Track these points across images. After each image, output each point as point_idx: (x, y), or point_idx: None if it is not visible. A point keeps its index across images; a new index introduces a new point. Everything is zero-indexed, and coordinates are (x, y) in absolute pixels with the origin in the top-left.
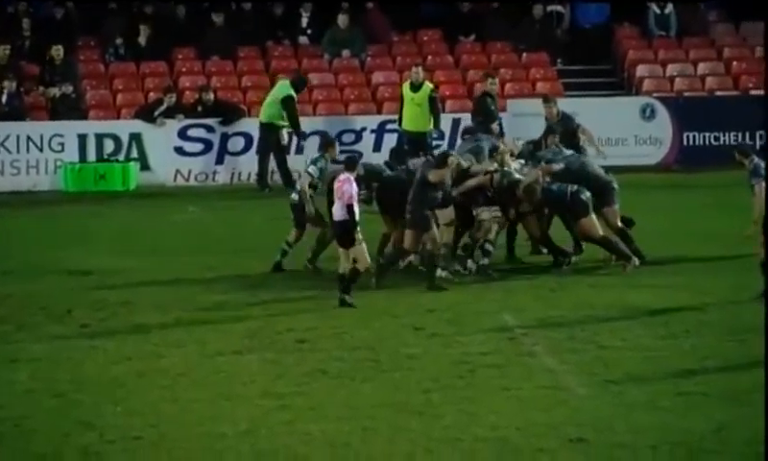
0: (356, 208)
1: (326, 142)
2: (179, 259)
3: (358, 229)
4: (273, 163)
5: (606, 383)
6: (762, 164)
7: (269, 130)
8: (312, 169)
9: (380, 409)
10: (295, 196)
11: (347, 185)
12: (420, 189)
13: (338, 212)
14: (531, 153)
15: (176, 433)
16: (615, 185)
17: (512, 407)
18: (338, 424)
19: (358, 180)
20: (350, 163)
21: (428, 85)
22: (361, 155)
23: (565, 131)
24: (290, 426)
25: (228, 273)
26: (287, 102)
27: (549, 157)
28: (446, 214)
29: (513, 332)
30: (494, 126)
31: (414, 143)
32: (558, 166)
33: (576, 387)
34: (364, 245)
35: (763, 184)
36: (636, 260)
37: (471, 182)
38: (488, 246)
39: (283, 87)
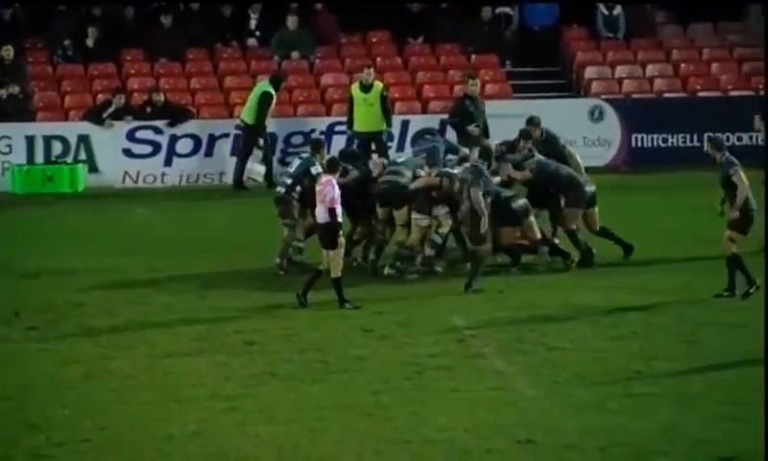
0: (339, 211)
1: (318, 144)
2: (127, 261)
3: (341, 232)
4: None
5: (554, 384)
6: (734, 157)
7: (252, 131)
8: (314, 169)
9: (329, 411)
10: (281, 189)
11: (329, 188)
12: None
13: (321, 215)
14: (502, 153)
15: (124, 435)
16: (589, 188)
17: (461, 409)
18: (287, 425)
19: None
20: (332, 165)
21: (379, 85)
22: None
23: (549, 153)
24: (239, 428)
25: (177, 275)
26: (262, 98)
27: (518, 160)
28: (401, 215)
29: (462, 334)
30: (473, 128)
31: (366, 144)
32: (520, 174)
33: (525, 388)
34: (341, 250)
35: (741, 172)
36: (574, 256)
37: (419, 183)
38: (436, 238)
39: (262, 85)
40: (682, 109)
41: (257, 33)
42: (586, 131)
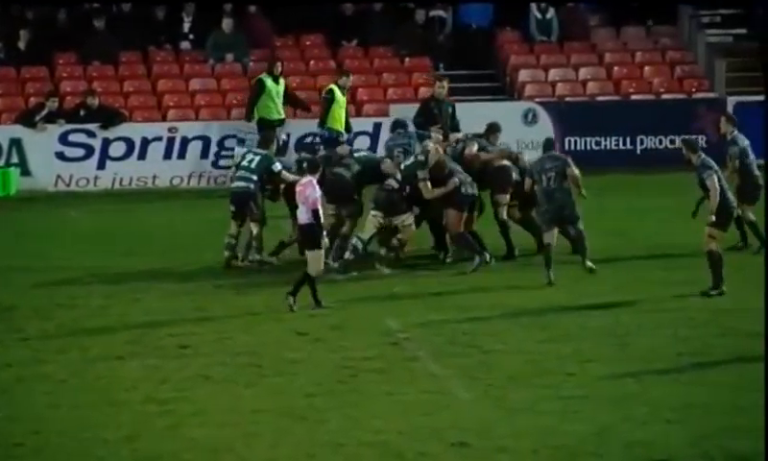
0: (321, 212)
1: (268, 140)
2: (59, 264)
3: (324, 233)
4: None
5: (488, 387)
6: (710, 159)
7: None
8: (275, 167)
9: (263, 414)
10: (243, 185)
11: (309, 189)
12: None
13: (303, 216)
14: (462, 150)
15: (57, 440)
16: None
17: (395, 412)
18: (221, 429)
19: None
20: (313, 166)
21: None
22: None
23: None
24: (173, 432)
25: (110, 278)
26: (255, 83)
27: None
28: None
29: (396, 337)
30: (436, 129)
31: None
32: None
33: (458, 391)
34: (321, 252)
35: (715, 177)
36: (487, 257)
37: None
38: (358, 243)
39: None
40: (614, 113)
41: (191, 35)
42: (519, 133)
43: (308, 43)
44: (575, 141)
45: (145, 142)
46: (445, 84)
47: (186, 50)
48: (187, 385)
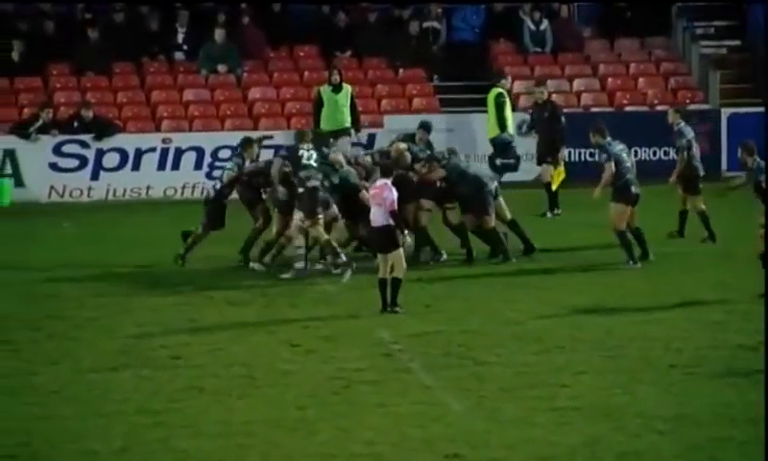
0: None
1: (245, 142)
2: (51, 275)
3: (406, 232)
4: None
5: (481, 399)
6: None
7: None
8: (230, 165)
9: (256, 425)
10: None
11: (387, 192)
12: None
13: (379, 218)
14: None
15: (48, 451)
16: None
17: (387, 423)
18: (213, 440)
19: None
20: (386, 169)
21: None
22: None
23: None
24: (164, 444)
25: (101, 289)
26: (315, 95)
27: (416, 151)
28: (330, 213)
29: (388, 348)
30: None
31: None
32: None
33: (451, 403)
34: (402, 251)
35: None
36: (443, 256)
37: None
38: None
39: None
40: (609, 124)
41: (185, 46)
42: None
43: (302, 54)
44: (569, 153)
45: (139, 153)
46: (543, 89)
47: (180, 61)
48: (179, 396)
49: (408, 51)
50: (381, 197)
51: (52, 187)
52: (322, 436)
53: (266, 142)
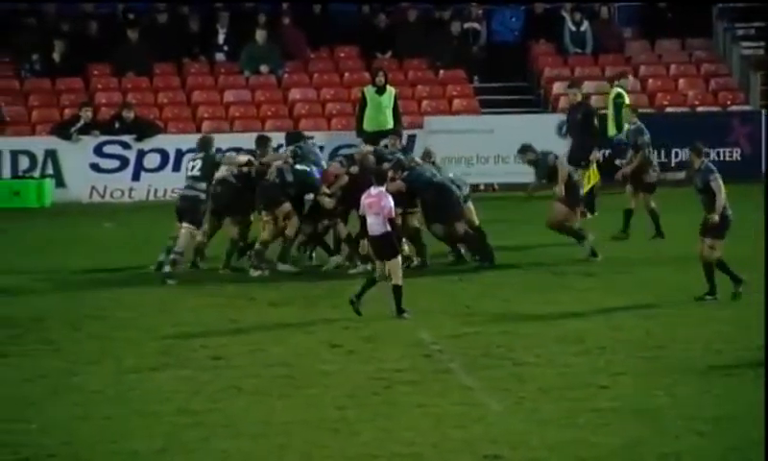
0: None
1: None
2: (92, 276)
3: (404, 240)
4: None
5: (520, 399)
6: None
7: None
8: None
9: (296, 426)
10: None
11: (384, 200)
12: None
13: (376, 227)
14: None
15: (89, 451)
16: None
17: (428, 424)
18: (253, 441)
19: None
20: (380, 177)
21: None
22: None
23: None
24: (205, 444)
25: (142, 289)
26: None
27: (384, 153)
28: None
29: (428, 349)
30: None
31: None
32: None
33: (491, 403)
34: (400, 259)
35: (720, 181)
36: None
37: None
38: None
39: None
40: (649, 125)
41: (225, 47)
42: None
43: (342, 55)
44: (610, 153)
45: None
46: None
47: (221, 61)
48: (220, 397)
49: (449, 52)
50: (379, 206)
51: (93, 188)
52: (362, 437)
53: None
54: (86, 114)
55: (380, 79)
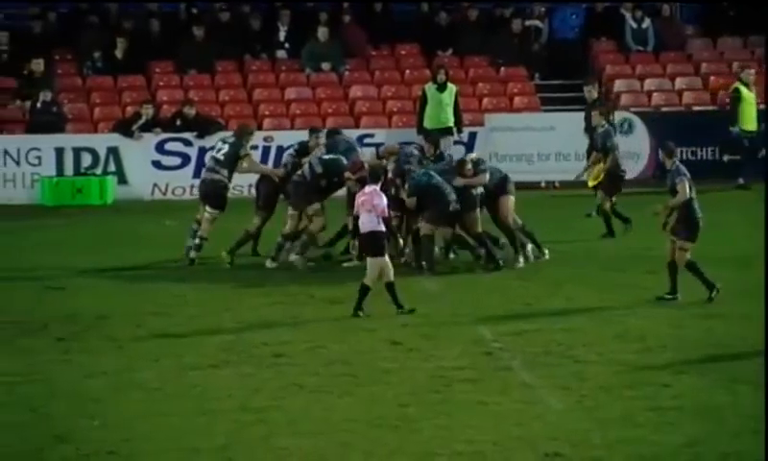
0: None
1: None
2: (154, 273)
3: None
4: None
5: (581, 397)
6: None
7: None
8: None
9: (357, 424)
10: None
11: (377, 199)
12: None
13: (367, 224)
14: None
15: (150, 448)
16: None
17: (488, 422)
18: (315, 438)
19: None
20: (375, 175)
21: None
22: None
23: None
24: (266, 441)
25: (203, 286)
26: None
27: (408, 155)
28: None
29: (489, 346)
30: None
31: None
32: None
33: (552, 401)
34: (387, 258)
35: (687, 184)
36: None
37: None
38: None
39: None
40: (710, 122)
41: (286, 45)
42: None
43: (403, 53)
44: None
45: None
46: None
47: (282, 59)
48: (281, 394)
49: (510, 49)
50: (371, 204)
51: (155, 185)
52: (423, 434)
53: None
54: (148, 112)
55: (441, 76)
